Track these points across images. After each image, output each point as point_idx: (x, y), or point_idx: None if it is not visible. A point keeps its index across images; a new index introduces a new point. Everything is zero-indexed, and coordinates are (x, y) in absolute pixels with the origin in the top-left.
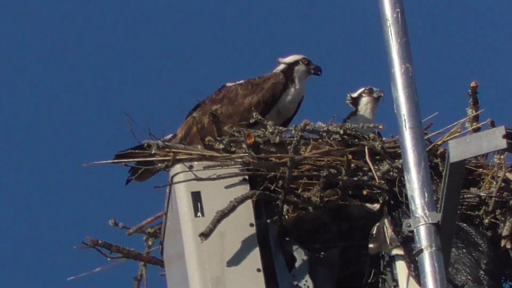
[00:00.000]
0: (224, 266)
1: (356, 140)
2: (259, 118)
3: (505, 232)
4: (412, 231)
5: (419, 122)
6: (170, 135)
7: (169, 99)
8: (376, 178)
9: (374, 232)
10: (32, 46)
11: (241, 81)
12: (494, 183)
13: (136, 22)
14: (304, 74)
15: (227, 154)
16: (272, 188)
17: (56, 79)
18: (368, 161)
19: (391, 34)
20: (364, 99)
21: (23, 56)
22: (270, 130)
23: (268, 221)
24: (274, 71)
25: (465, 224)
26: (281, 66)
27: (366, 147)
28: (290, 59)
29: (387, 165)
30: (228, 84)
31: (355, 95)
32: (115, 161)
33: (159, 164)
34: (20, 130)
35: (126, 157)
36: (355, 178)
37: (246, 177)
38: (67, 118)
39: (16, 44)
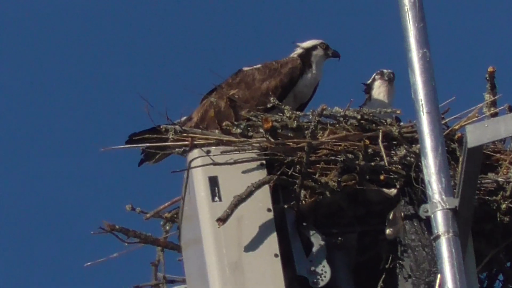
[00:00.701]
0: (241, 251)
1: (373, 125)
2: (276, 102)
3: None
4: (429, 217)
5: (436, 107)
6: (185, 117)
7: (186, 82)
8: (386, 162)
9: (391, 217)
10: (49, 29)
11: (258, 66)
12: None
13: (153, 5)
14: (321, 58)
15: (245, 139)
16: (289, 173)
17: (73, 63)
18: (381, 146)
19: (408, 19)
20: (377, 83)
21: (41, 39)
22: (288, 115)
23: (286, 206)
24: (292, 55)
25: None
26: (299, 51)
27: (380, 131)
28: (308, 43)
29: (404, 150)
30: (245, 68)
31: (368, 81)
32: (133, 145)
33: (176, 149)
34: (37, 115)
35: (141, 141)
36: (372, 163)
37: (264, 162)
38: (85, 103)
39: (32, 29)
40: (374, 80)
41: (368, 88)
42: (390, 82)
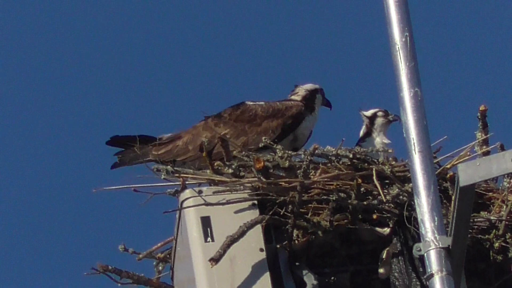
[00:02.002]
0: None
1: (366, 164)
2: (268, 142)
3: None
4: (422, 255)
5: (428, 146)
6: (171, 134)
7: (176, 122)
8: (383, 197)
9: (384, 256)
10: (45, 71)
11: (262, 102)
12: (504, 206)
13: (143, 40)
14: (320, 103)
15: (236, 179)
16: (281, 213)
17: (63, 105)
18: (376, 183)
19: (400, 58)
20: (379, 120)
21: (37, 77)
22: (280, 155)
23: (278, 246)
24: (293, 97)
25: None
26: (302, 92)
27: (374, 169)
28: (310, 86)
29: (397, 189)
30: (248, 102)
31: (368, 114)
32: (125, 186)
33: (168, 190)
34: (31, 154)
35: (121, 145)
36: (365, 202)
37: (256, 202)
38: (76, 144)
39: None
40: (376, 116)
41: (369, 122)
42: (391, 123)
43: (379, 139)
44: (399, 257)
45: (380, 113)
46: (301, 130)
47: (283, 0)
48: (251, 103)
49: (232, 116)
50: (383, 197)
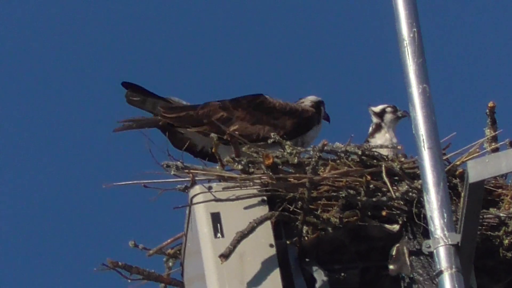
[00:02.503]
0: (244, 287)
1: (375, 160)
2: (277, 138)
3: None
4: (431, 252)
5: (437, 142)
6: (177, 99)
7: None
8: (392, 193)
9: (393, 253)
10: (50, 77)
11: (279, 99)
12: None
13: (157, 44)
14: (322, 115)
15: (246, 175)
16: (291, 209)
17: (76, 100)
18: (386, 180)
19: (408, 54)
20: (388, 116)
21: (44, 82)
22: (289, 151)
23: (288, 242)
24: (304, 104)
25: None
26: (309, 103)
27: (383, 166)
28: (315, 98)
29: (406, 186)
30: (266, 96)
31: (377, 109)
32: (135, 182)
33: (178, 186)
34: (40, 150)
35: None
36: (374, 199)
37: (265, 198)
38: (87, 139)
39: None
40: (385, 112)
41: (376, 118)
42: (399, 119)
43: (388, 136)
44: (418, 254)
45: (389, 109)
46: (308, 137)
47: None
48: (269, 97)
49: (251, 103)
50: (392, 193)
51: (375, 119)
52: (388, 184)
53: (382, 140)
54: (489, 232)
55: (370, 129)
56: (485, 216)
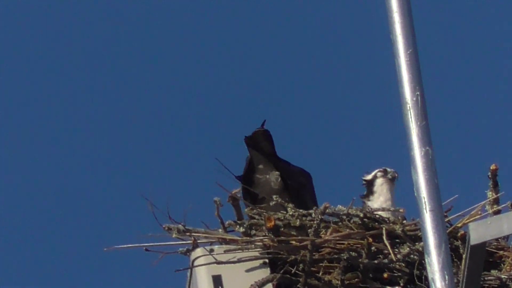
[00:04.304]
0: None
1: (376, 223)
2: (279, 201)
3: None
4: None
5: (439, 204)
6: None
7: (189, 181)
8: (393, 256)
9: None
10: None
11: None
12: None
13: (155, 104)
14: None
15: (247, 238)
16: (292, 272)
17: (74, 160)
18: (386, 242)
19: (410, 117)
20: (379, 180)
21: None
22: (291, 213)
23: None
24: None
25: None
26: None
27: (384, 228)
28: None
29: (408, 248)
30: None
31: (369, 177)
32: (136, 245)
33: (179, 249)
34: (40, 211)
35: None
36: (376, 261)
37: (267, 260)
38: (87, 201)
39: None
40: (376, 177)
41: (369, 185)
42: (392, 180)
43: (382, 199)
44: None
45: (379, 174)
46: None
47: (289, 63)
48: None
49: None
50: (393, 256)
51: (365, 186)
52: (389, 247)
53: (377, 203)
54: None
55: (364, 193)
56: (486, 278)
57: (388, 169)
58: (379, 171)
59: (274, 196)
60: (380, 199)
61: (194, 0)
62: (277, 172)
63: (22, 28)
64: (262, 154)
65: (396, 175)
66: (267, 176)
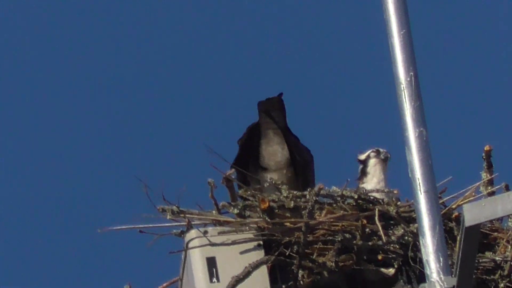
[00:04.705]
0: None
1: (371, 204)
2: (273, 182)
3: None
4: None
5: (433, 186)
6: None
7: (183, 163)
8: (383, 238)
9: None
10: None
11: None
12: (510, 247)
13: (149, 88)
14: None
15: (242, 219)
16: (287, 253)
17: (68, 144)
18: (378, 224)
19: (405, 97)
20: (372, 161)
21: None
22: (285, 195)
23: (284, 286)
24: None
25: None
26: None
27: (376, 210)
28: None
29: (402, 230)
30: None
31: (363, 157)
32: (130, 227)
33: (173, 231)
34: (35, 194)
35: None
36: (370, 243)
37: (261, 242)
38: (81, 183)
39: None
40: (369, 157)
41: (363, 165)
42: (385, 161)
43: (375, 179)
44: None
45: (372, 154)
46: None
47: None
48: None
49: None
50: (383, 238)
51: (360, 166)
52: (380, 228)
53: (371, 185)
54: (485, 276)
55: (357, 176)
56: (481, 259)
57: (381, 150)
58: (372, 151)
59: (269, 178)
60: (373, 180)
61: None
62: (286, 144)
63: (22, 28)
64: (273, 123)
65: (389, 155)
66: (274, 146)
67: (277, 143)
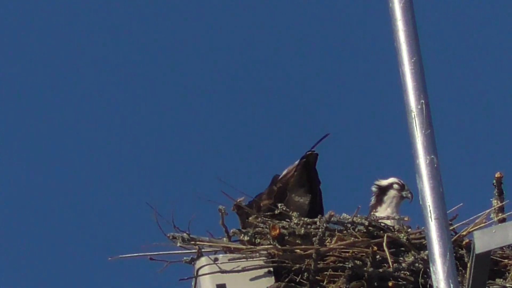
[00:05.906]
0: None
1: (381, 231)
2: (283, 209)
3: None
4: None
5: (444, 213)
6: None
7: (194, 190)
8: (391, 266)
9: None
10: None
11: None
12: None
13: (157, 114)
14: None
15: (252, 246)
16: (297, 280)
17: (80, 169)
18: (386, 251)
19: (415, 125)
20: (392, 192)
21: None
22: (295, 221)
23: None
24: None
25: None
26: None
27: (385, 237)
28: None
29: (412, 257)
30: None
31: (384, 183)
32: (140, 254)
33: (184, 258)
34: (46, 222)
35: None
36: (380, 270)
37: (271, 269)
38: (92, 210)
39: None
40: (391, 187)
41: (381, 191)
42: (403, 199)
43: (389, 210)
44: None
45: (396, 186)
46: None
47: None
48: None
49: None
50: (391, 265)
51: (376, 191)
52: (388, 255)
53: (384, 214)
54: None
55: (371, 202)
56: (491, 286)
57: (406, 187)
58: (397, 183)
59: (279, 205)
60: (387, 211)
61: None
62: (309, 196)
63: (22, 28)
64: (308, 176)
65: (410, 196)
66: (301, 199)
67: (304, 195)
